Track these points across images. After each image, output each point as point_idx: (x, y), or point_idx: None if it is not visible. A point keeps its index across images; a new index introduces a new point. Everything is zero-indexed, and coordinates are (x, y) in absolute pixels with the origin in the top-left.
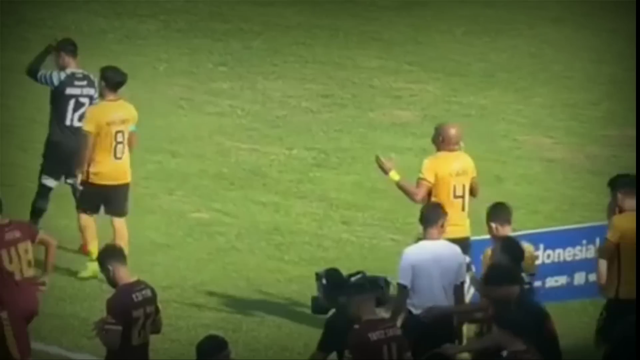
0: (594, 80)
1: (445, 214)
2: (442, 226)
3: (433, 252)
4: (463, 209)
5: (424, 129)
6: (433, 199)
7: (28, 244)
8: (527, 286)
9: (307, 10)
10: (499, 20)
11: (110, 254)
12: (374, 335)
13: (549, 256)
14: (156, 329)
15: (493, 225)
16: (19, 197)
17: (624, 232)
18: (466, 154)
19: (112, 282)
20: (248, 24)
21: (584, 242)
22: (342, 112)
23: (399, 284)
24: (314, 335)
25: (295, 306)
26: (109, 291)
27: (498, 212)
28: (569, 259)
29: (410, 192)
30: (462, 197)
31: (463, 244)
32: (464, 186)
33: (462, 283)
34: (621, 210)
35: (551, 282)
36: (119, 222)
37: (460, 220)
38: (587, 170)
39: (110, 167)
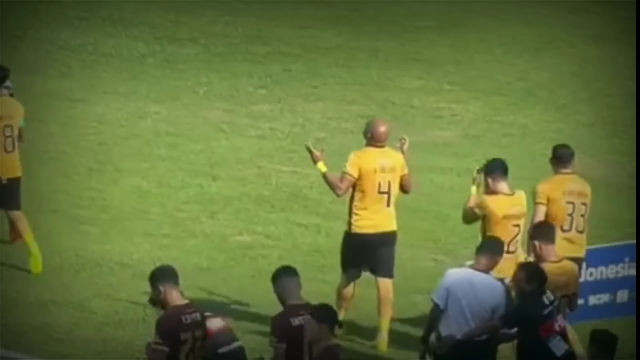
0: (636, 97)
1: (502, 253)
2: (496, 263)
3: (472, 281)
4: (388, 205)
5: (465, 148)
6: (358, 193)
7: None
8: (555, 304)
9: (346, 32)
10: (539, 39)
11: (163, 275)
12: (295, 321)
13: (591, 274)
14: (205, 354)
15: (537, 243)
16: (62, 223)
17: (490, 210)
18: (396, 152)
19: (161, 302)
20: (287, 46)
21: (627, 259)
22: None
23: (432, 300)
24: (354, 356)
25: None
26: (152, 315)
27: (542, 231)
28: (611, 276)
29: (334, 186)
30: (387, 193)
31: (388, 237)
32: (389, 182)
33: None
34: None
35: (594, 299)
36: (16, 214)
37: (384, 215)
38: (629, 187)
39: (2, 161)
